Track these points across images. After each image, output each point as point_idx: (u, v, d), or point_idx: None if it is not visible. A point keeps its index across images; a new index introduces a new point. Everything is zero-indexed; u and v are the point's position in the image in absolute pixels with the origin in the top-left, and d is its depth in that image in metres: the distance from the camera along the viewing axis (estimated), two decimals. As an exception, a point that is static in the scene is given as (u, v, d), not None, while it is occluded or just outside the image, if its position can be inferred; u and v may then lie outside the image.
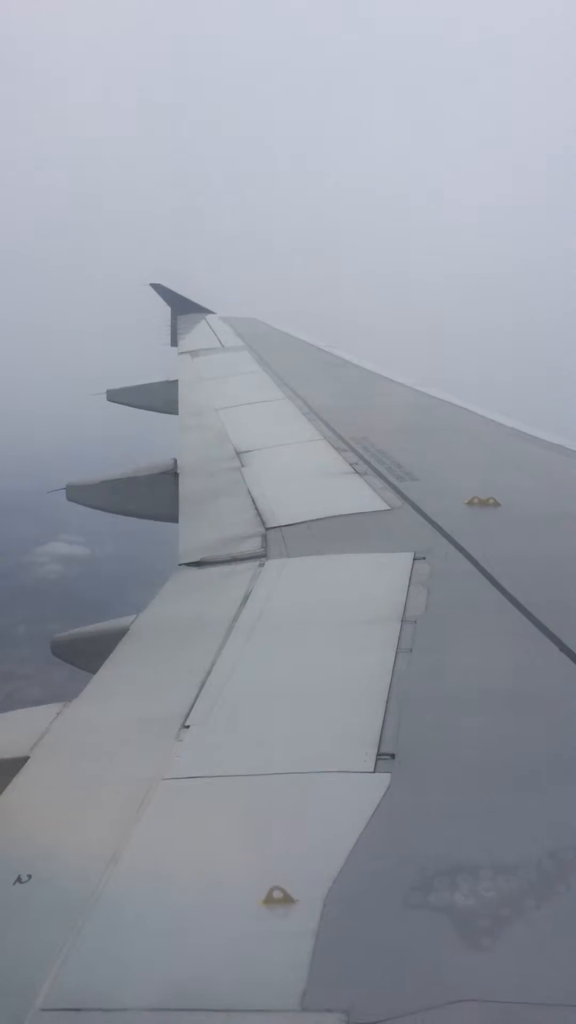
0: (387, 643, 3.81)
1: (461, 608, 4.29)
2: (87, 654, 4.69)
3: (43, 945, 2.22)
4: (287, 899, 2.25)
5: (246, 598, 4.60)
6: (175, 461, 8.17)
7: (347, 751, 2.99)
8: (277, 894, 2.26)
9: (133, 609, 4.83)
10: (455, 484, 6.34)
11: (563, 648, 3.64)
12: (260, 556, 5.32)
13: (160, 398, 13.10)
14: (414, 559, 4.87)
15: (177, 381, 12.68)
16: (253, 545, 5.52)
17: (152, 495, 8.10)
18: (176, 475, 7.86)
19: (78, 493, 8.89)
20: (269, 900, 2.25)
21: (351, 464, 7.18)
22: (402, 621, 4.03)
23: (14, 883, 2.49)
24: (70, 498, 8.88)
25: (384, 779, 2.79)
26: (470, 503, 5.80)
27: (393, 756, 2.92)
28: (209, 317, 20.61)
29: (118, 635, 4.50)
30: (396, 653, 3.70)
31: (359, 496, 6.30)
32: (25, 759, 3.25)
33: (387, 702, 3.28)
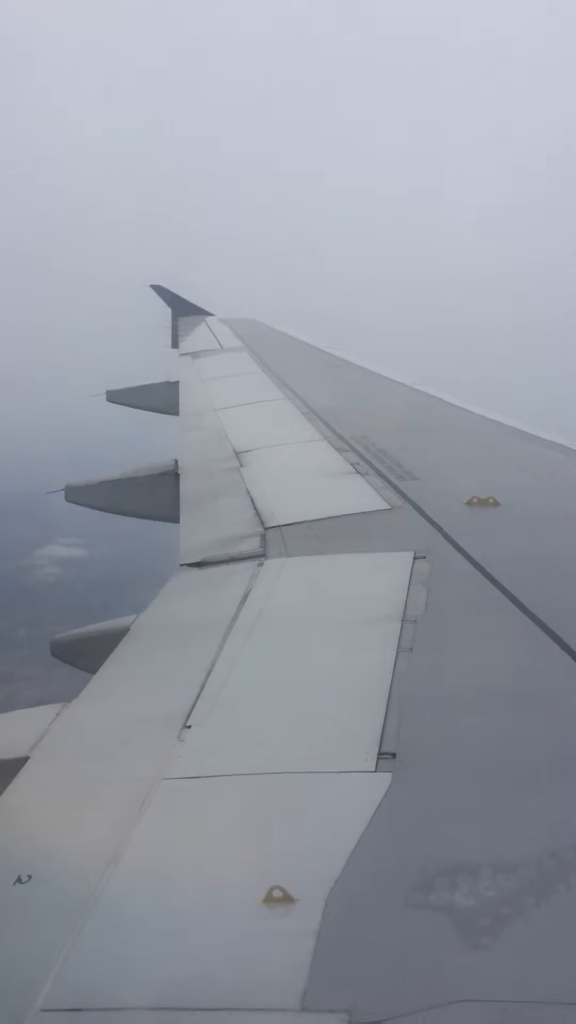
0: (387, 642, 3.81)
1: (461, 607, 4.28)
2: (87, 654, 4.69)
3: (43, 946, 2.21)
4: (288, 899, 2.25)
5: (246, 598, 4.59)
6: (175, 462, 8.18)
7: (348, 751, 2.98)
8: (278, 894, 2.25)
9: (131, 611, 4.82)
10: (455, 484, 6.34)
11: (564, 647, 3.64)
12: (260, 556, 5.31)
13: (160, 399, 13.12)
14: (414, 558, 4.86)
15: (177, 382, 12.70)
16: (253, 545, 5.52)
17: (152, 496, 8.10)
18: (176, 476, 7.86)
19: (77, 494, 8.88)
20: (270, 900, 2.25)
21: (351, 464, 7.18)
22: (402, 620, 4.03)
23: (14, 883, 2.49)
24: (69, 499, 8.87)
25: (385, 779, 2.78)
26: (470, 503, 5.80)
27: (394, 755, 2.92)
28: (209, 319, 20.66)
29: (118, 635, 4.50)
30: (397, 652, 3.70)
31: (359, 496, 6.30)
32: (25, 759, 3.25)
33: (388, 701, 3.28)
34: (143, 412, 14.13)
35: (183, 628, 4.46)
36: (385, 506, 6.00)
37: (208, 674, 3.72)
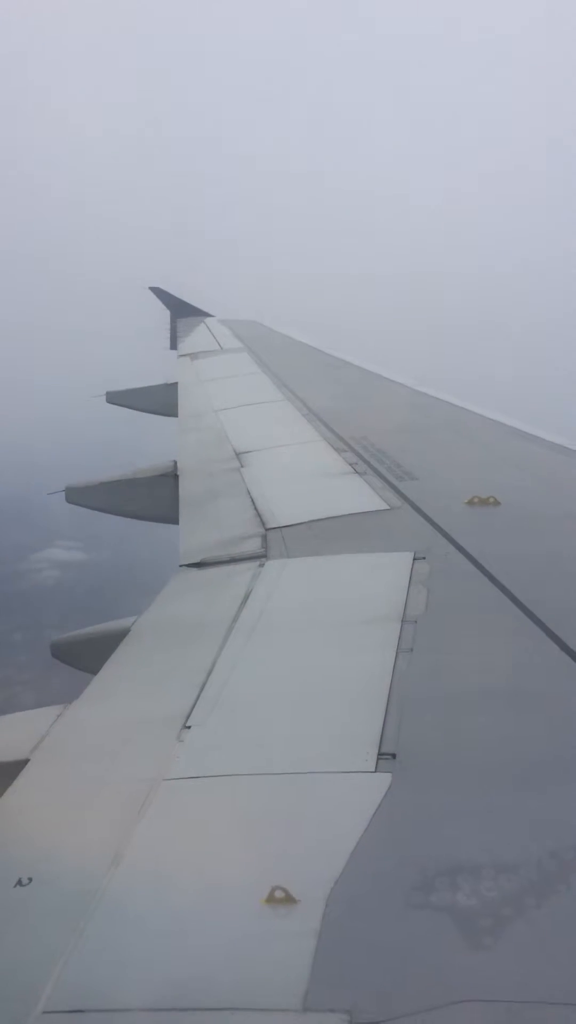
0: (387, 643, 3.81)
1: (461, 607, 4.28)
2: (87, 656, 4.68)
3: (45, 947, 2.21)
4: (289, 899, 2.25)
5: (246, 598, 4.59)
6: (175, 463, 8.18)
7: (348, 751, 2.98)
8: (279, 894, 2.25)
9: (130, 614, 4.82)
10: (455, 483, 6.34)
11: (564, 647, 3.64)
12: (260, 556, 5.31)
13: (160, 400, 13.12)
14: (414, 559, 4.86)
15: (176, 383, 12.69)
16: (253, 545, 5.52)
17: (152, 497, 8.11)
18: (176, 477, 7.86)
19: (78, 495, 8.88)
20: (271, 900, 2.25)
21: (351, 464, 7.18)
22: (402, 621, 4.03)
23: (15, 886, 2.49)
24: (69, 500, 8.87)
25: (385, 779, 2.78)
26: (470, 502, 5.80)
27: (394, 756, 2.92)
28: (208, 320, 20.63)
29: (118, 636, 4.50)
30: (396, 653, 3.70)
31: (359, 496, 6.30)
32: (25, 762, 3.24)
33: (388, 702, 3.28)
34: (143, 413, 14.14)
35: (183, 629, 4.46)
36: (385, 506, 6.00)
37: (208, 675, 3.72)
